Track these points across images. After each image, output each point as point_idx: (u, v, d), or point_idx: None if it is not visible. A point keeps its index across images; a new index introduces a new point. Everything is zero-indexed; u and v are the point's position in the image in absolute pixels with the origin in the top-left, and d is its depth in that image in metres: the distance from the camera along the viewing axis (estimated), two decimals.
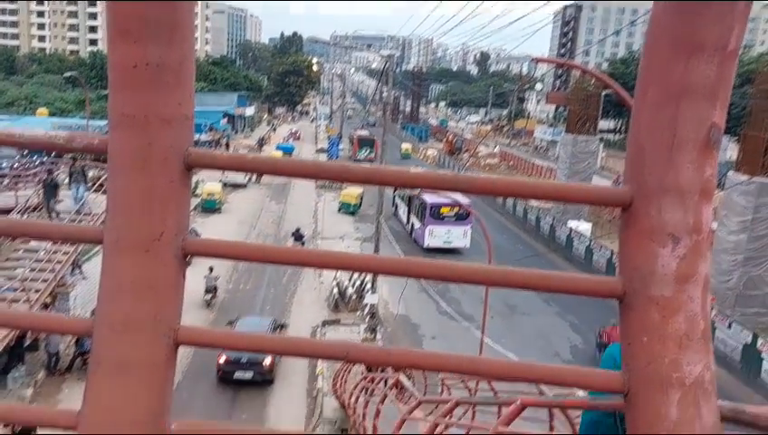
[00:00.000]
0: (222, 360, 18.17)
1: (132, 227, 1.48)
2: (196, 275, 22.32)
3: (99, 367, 1.51)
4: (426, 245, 31.49)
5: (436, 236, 31.05)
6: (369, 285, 24.92)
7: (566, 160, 40.19)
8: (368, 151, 56.73)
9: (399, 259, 1.65)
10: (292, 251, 1.67)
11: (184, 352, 22.95)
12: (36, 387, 16.61)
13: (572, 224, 35.29)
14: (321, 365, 19.65)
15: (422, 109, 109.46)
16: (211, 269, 23.21)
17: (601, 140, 48.47)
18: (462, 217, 30.95)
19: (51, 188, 19.31)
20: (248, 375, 18.16)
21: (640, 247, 1.40)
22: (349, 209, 38.80)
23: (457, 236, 31.48)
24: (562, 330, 24.74)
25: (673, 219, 1.37)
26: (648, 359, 1.35)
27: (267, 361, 18.39)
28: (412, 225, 34.59)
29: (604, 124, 61.97)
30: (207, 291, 23.48)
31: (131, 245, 1.50)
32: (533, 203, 41.59)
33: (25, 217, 18.51)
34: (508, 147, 74.60)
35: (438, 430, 5.63)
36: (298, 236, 31.62)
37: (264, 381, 18.44)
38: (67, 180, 20.16)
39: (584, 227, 35.20)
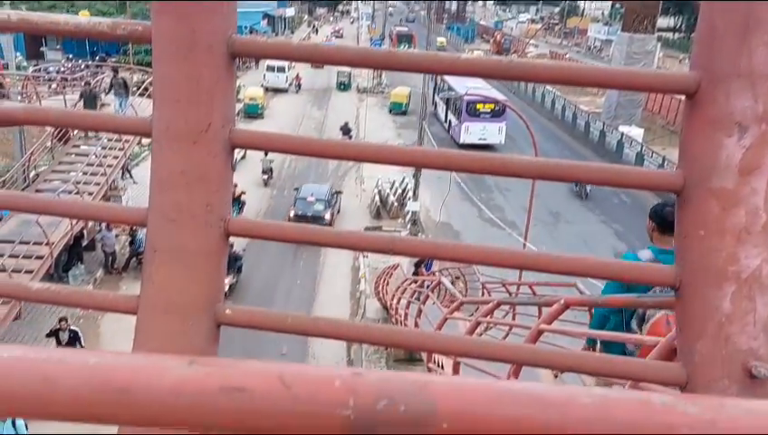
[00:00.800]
0: (292, 214, 22.61)
1: (180, 117, 1.48)
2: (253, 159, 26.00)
3: (155, 254, 1.57)
4: (461, 141, 31.95)
5: (472, 132, 31.47)
6: (410, 193, 25.00)
7: (620, 61, 38.35)
8: (406, 47, 56.04)
9: (445, 152, 1.62)
10: (338, 144, 1.66)
11: (264, 200, 25.29)
12: (95, 284, 17.55)
13: (624, 129, 34.18)
14: (364, 269, 20.16)
15: (469, 8, 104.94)
16: (266, 153, 23.95)
17: (659, 39, 45.84)
18: (497, 113, 31.24)
19: (90, 100, 18.79)
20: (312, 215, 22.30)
21: (704, 137, 1.33)
22: (399, 109, 39.55)
23: (492, 132, 31.84)
24: (607, 238, 24.58)
25: (741, 107, 1.29)
26: (704, 252, 1.32)
27: (327, 216, 22.55)
28: (449, 122, 35.09)
29: (663, 22, 58.46)
30: (264, 172, 26.67)
31: (180, 136, 1.51)
32: (584, 107, 40.31)
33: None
34: (559, 47, 71.50)
35: (479, 329, 5.78)
36: (346, 129, 32.37)
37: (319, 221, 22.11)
38: (107, 92, 19.72)
39: (636, 132, 34.04)
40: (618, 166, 1.60)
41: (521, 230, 21.43)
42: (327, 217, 22.62)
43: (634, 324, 3.76)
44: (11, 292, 1.66)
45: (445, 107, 36.24)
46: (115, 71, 19.84)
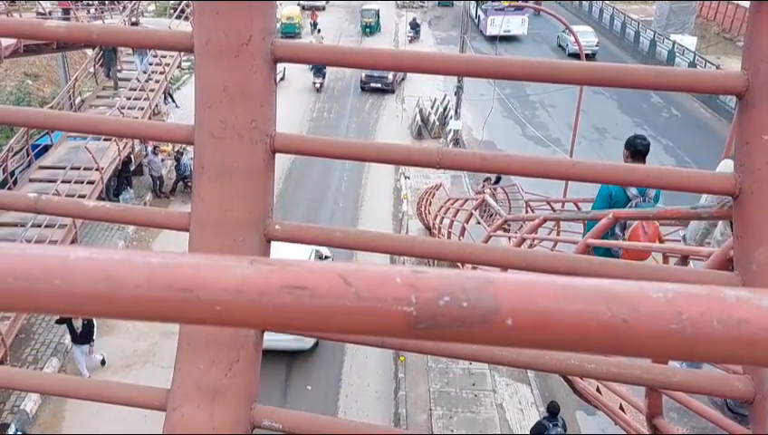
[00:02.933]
0: (363, 75, 28.21)
1: (220, 30, 1.46)
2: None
3: (202, 171, 1.58)
4: (488, 33, 35.87)
5: (497, 24, 34.88)
6: (452, 111, 24.55)
7: None
8: None
9: (492, 59, 1.56)
10: (386, 53, 1.61)
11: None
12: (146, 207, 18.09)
13: (676, 38, 32.44)
14: (406, 190, 20.18)
15: None
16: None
17: None
18: (519, 7, 35.18)
19: (109, 54, 18.01)
20: (378, 84, 28.24)
21: None
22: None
23: (516, 24, 36.06)
24: (656, 153, 23.72)
25: None
26: (767, 158, 1.26)
27: (390, 77, 27.65)
28: (478, 17, 39.23)
29: None
30: (316, 77, 28.82)
31: (221, 49, 1.48)
32: (633, 16, 38.24)
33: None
34: None
35: (524, 246, 5.77)
36: (414, 24, 36.01)
37: (386, 89, 28.29)
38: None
39: (689, 40, 32.29)
40: (673, 69, 1.52)
41: (566, 148, 20.95)
42: (389, 78, 27.69)
43: (617, 230, 4.48)
44: (70, 210, 1.72)
45: (475, 5, 40.01)
46: (135, 24, 18.73)
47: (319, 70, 28.16)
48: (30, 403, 10.93)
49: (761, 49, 1.27)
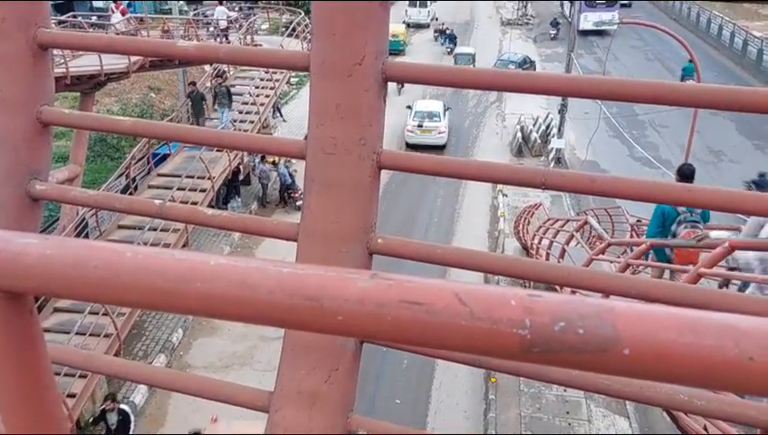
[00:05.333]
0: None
1: (335, 50, 1.52)
2: None
3: (313, 184, 1.65)
4: (580, 27, 35.56)
5: (590, 19, 37.13)
6: (554, 130, 23.98)
7: None
8: None
9: (599, 79, 1.53)
10: (490, 73, 1.62)
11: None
12: (252, 214, 18.94)
13: None
14: (503, 208, 19.88)
15: None
16: None
17: None
18: (611, 3, 38.31)
19: (198, 102, 17.88)
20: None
21: None
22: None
23: (607, 19, 37.39)
24: None
25: None
26: None
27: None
28: (570, 14, 40.60)
29: None
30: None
31: (335, 68, 1.55)
32: (756, 33, 35.85)
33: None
34: None
35: (629, 272, 5.52)
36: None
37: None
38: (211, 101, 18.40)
39: None
40: None
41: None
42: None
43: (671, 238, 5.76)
44: (190, 217, 1.85)
45: (569, 4, 40.54)
46: (219, 76, 18.31)
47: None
48: (138, 396, 11.66)
49: None
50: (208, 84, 19.72)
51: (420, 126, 24.76)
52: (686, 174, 6.41)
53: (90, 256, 0.50)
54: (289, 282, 0.49)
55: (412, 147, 25.49)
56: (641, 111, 26.93)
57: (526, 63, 31.89)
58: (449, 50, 37.18)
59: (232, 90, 19.34)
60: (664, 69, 33.25)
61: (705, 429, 3.66)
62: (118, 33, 18.79)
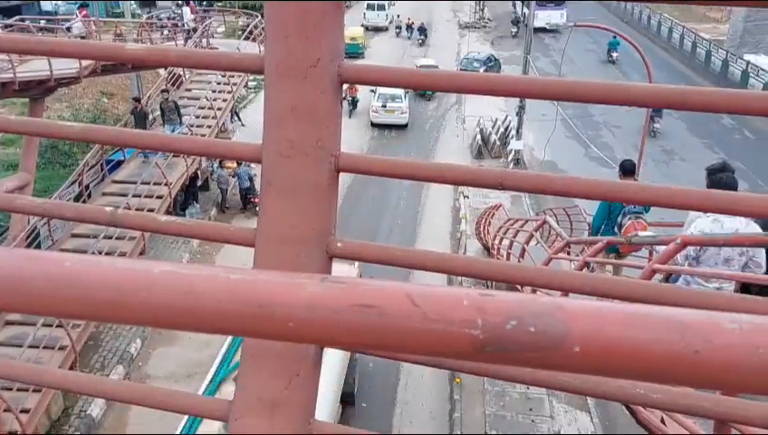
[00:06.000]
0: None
1: (290, 52, 1.51)
2: None
3: (269, 188, 1.63)
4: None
5: (541, 18, 37.26)
6: (513, 131, 24.34)
7: None
8: None
9: (557, 81, 1.55)
10: (447, 75, 1.62)
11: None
12: (210, 220, 18.64)
13: (750, 57, 31.23)
14: (464, 209, 20.07)
15: None
16: None
17: None
18: (559, 3, 40.67)
19: (141, 120, 16.97)
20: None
21: None
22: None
23: (555, 17, 39.90)
24: None
25: None
26: None
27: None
28: (524, 13, 41.18)
29: None
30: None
31: (290, 71, 1.53)
32: (704, 35, 37.07)
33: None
34: None
35: (586, 271, 5.63)
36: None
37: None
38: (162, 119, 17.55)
39: (763, 60, 31.03)
40: (749, 91, 1.46)
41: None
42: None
43: (616, 229, 6.53)
44: (144, 225, 1.80)
45: (521, 3, 43.57)
46: (165, 91, 17.56)
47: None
48: (96, 409, 11.35)
49: None
50: (159, 95, 19.31)
51: (384, 106, 26.40)
52: (627, 169, 7.23)
53: (26, 267, 0.48)
54: (237, 289, 0.48)
55: (377, 126, 26.35)
56: (596, 112, 27.57)
57: (491, 62, 33.16)
58: (420, 41, 40.33)
59: (188, 94, 18.99)
60: (617, 70, 34.10)
61: (663, 421, 3.75)
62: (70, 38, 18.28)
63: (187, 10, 23.09)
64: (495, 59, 33.95)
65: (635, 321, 0.45)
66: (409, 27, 41.51)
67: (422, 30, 40.53)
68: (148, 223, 1.78)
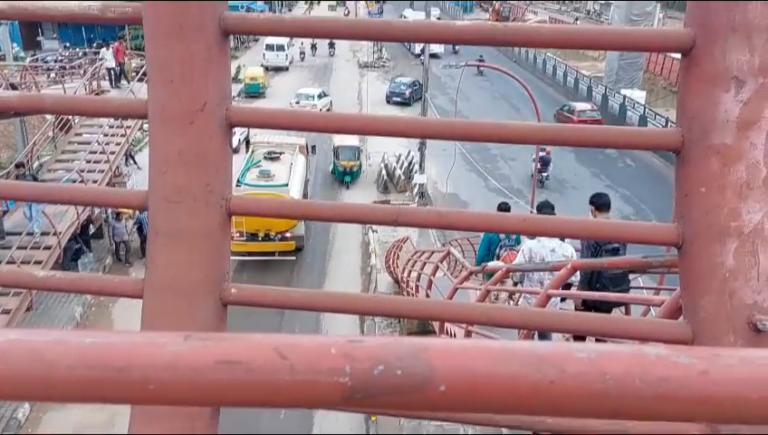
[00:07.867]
0: (387, 91, 36.89)
1: (174, 96, 1.47)
2: None
3: (157, 237, 1.57)
4: (416, 51, 42.74)
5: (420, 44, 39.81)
6: (416, 166, 24.93)
7: (620, 24, 37.83)
8: None
9: (448, 122, 1.61)
10: (340, 117, 1.64)
11: None
12: (105, 272, 17.68)
13: (626, 92, 33.87)
14: (374, 244, 20.20)
15: None
16: None
17: None
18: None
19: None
20: (399, 99, 35.65)
21: (701, 94, 1.31)
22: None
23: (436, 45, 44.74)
24: (614, 202, 24.42)
25: (738, 61, 1.27)
26: (706, 209, 1.31)
27: (408, 93, 36.18)
28: (411, 44, 45.08)
29: None
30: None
31: (175, 116, 1.50)
32: (585, 72, 39.87)
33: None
34: (558, 13, 70.41)
35: (490, 297, 5.81)
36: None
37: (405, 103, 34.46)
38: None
39: (638, 94, 33.75)
40: (617, 127, 1.59)
41: (527, 199, 21.37)
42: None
43: (495, 259, 7.45)
44: (18, 281, 1.67)
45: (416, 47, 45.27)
46: (21, 166, 15.79)
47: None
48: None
49: (691, 106, 1.34)
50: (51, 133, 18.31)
51: (298, 103, 30.05)
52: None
53: None
54: (91, 353, 0.46)
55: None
56: (492, 145, 28.77)
57: (415, 85, 35.43)
58: (331, 54, 46.74)
59: (78, 139, 18.13)
60: (509, 106, 35.86)
61: None
62: None
63: (108, 52, 22.29)
64: (420, 83, 35.34)
65: (496, 357, 0.46)
66: (314, 47, 46.63)
67: (331, 44, 45.51)
68: (25, 279, 1.65)
